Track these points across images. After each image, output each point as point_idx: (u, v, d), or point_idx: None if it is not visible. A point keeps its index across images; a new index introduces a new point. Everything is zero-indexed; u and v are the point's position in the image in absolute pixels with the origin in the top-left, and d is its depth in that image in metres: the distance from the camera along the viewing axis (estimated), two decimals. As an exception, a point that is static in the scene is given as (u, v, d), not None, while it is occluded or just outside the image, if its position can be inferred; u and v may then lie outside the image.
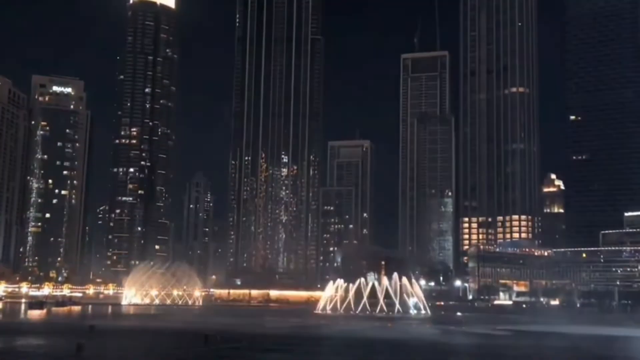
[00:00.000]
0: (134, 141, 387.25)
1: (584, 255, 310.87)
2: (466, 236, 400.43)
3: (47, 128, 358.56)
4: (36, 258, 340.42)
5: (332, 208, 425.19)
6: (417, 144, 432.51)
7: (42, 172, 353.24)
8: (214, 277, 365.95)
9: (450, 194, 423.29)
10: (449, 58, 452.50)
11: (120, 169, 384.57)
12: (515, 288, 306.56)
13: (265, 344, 63.15)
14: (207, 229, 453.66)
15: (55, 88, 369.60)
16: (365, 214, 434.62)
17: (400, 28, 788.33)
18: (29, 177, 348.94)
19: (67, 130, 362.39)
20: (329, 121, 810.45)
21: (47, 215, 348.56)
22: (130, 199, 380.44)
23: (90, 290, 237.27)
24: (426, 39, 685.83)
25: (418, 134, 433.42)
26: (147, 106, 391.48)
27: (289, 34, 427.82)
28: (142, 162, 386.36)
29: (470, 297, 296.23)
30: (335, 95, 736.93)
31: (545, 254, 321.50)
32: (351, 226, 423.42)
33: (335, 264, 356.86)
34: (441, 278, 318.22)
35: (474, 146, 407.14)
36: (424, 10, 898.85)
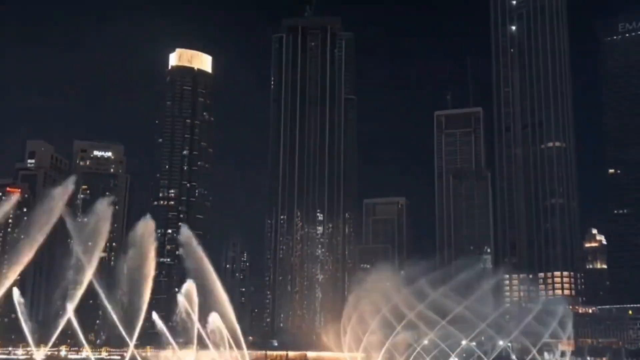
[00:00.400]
0: (172, 202, 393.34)
1: (630, 312, 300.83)
2: (507, 293, 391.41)
3: (88, 192, 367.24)
4: (76, 320, 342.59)
5: (368, 266, 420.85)
6: (454, 200, 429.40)
7: (83, 234, 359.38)
8: (250, 338, 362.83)
9: (489, 250, 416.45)
10: (482, 114, 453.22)
11: (159, 231, 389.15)
12: (560, 347, 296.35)
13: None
14: (243, 289, 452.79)
15: (96, 152, 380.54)
16: (402, 272, 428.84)
17: (432, 85, 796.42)
18: (69, 240, 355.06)
19: (107, 193, 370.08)
20: (364, 179, 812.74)
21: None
22: (169, 259, 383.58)
23: (128, 353, 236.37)
24: (459, 96, 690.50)
25: (454, 190, 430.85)
26: (185, 168, 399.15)
27: (323, 94, 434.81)
28: (180, 224, 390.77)
29: (513, 357, 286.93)
30: (369, 153, 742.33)
31: (590, 311, 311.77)
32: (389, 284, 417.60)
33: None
34: (482, 338, 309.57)
35: (511, 201, 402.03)
36: (456, 67, 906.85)
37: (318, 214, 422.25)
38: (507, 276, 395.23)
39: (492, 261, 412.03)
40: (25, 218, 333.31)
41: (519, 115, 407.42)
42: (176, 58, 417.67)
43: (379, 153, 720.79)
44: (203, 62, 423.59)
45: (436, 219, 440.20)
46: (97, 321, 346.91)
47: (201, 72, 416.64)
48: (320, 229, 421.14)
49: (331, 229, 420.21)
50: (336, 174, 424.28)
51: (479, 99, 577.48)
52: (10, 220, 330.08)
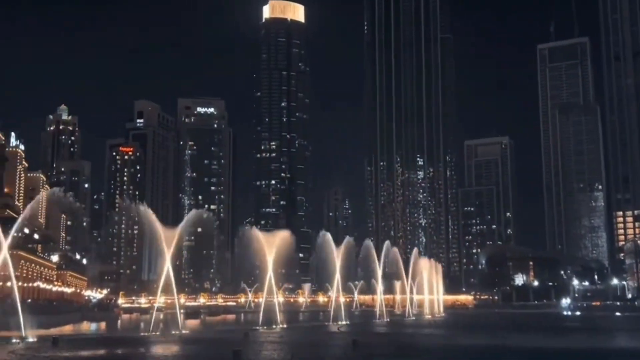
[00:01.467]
0: (273, 154, 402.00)
1: None
2: (621, 231, 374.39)
3: (194, 147, 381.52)
4: (191, 270, 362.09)
5: (472, 209, 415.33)
6: (561, 136, 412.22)
7: (192, 189, 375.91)
8: (360, 282, 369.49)
9: (600, 187, 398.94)
10: (589, 44, 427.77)
11: (263, 182, 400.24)
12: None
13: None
14: (347, 236, 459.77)
15: (199, 109, 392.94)
16: (508, 214, 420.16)
17: (533, 17, 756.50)
18: (180, 195, 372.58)
19: (213, 149, 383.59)
20: (464, 120, 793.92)
21: (199, 229, 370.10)
22: (274, 209, 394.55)
23: (242, 299, 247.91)
24: (563, 27, 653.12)
25: (561, 126, 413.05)
26: (284, 120, 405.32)
27: (418, 35, 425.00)
28: (283, 174, 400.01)
29: (629, 295, 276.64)
30: (469, 93, 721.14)
31: None
32: (494, 227, 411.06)
33: (479, 267, 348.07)
34: (596, 277, 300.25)
35: (623, 135, 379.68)
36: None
37: (418, 158, 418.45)
38: (621, 213, 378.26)
39: (604, 198, 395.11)
40: (139, 175, 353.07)
41: (629, 42, 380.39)
42: (269, 10, 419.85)
43: (479, 92, 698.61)
44: (296, 12, 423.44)
45: (542, 158, 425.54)
46: (211, 270, 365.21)
47: (294, 23, 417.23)
48: (420, 173, 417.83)
49: (432, 173, 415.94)
50: (434, 117, 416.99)
51: (585, 28, 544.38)
52: (125, 178, 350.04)
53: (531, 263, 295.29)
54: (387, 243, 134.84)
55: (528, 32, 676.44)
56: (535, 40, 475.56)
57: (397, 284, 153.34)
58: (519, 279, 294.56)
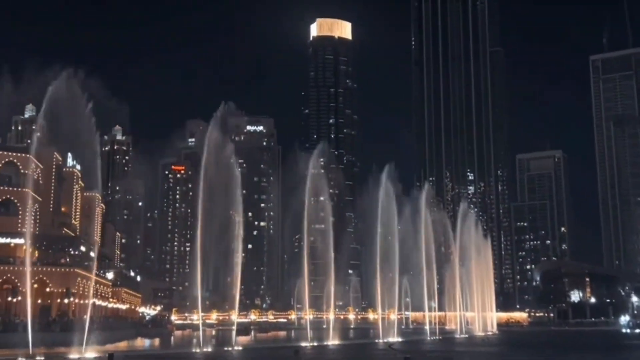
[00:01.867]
0: (322, 171, 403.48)
1: None
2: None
3: (244, 165, 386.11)
4: (242, 287, 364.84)
5: (525, 224, 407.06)
6: (616, 149, 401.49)
7: (242, 206, 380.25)
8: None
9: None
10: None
11: (312, 198, 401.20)
12: None
13: None
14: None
15: (249, 127, 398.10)
16: (562, 228, 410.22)
17: (585, 28, 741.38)
18: (231, 212, 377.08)
19: (262, 166, 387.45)
20: (515, 134, 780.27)
21: (250, 246, 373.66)
22: (322, 226, 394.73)
23: (293, 315, 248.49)
24: (616, 37, 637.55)
25: (616, 139, 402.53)
26: (332, 136, 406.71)
27: (466, 49, 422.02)
28: (331, 191, 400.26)
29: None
30: (520, 107, 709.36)
31: None
32: (548, 242, 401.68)
33: (534, 283, 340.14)
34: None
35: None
36: (610, 5, 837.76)
37: (468, 173, 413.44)
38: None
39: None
40: (191, 194, 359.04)
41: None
42: (317, 28, 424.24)
43: (531, 106, 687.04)
44: (343, 29, 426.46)
45: (597, 171, 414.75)
46: (262, 286, 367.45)
47: (342, 40, 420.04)
48: (471, 188, 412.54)
49: (483, 188, 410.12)
50: (485, 131, 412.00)
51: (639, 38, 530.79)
52: (177, 196, 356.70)
53: (588, 279, 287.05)
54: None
55: (580, 43, 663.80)
56: (587, 51, 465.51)
57: (449, 301, 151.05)
58: (575, 296, 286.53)
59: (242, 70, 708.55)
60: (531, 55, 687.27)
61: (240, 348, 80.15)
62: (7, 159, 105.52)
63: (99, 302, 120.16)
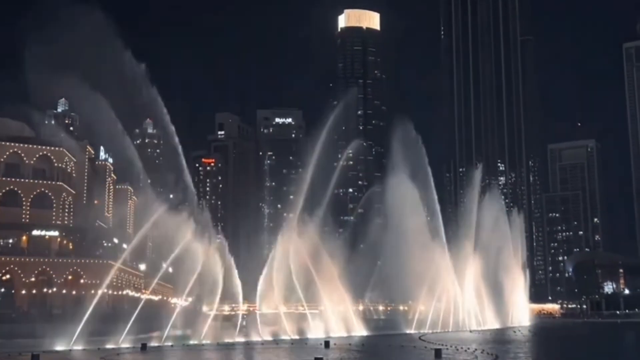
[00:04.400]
0: (350, 162, 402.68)
1: None
2: None
3: (273, 157, 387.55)
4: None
5: (557, 215, 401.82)
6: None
7: (271, 198, 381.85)
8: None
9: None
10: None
11: (340, 190, 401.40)
12: None
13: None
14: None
15: (278, 120, 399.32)
16: (595, 219, 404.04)
17: (618, 14, 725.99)
18: (260, 204, 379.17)
19: (291, 158, 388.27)
20: (547, 123, 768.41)
21: (279, 237, 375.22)
22: (351, 218, 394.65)
23: (322, 307, 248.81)
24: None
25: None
26: (361, 128, 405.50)
27: (497, 38, 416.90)
28: (360, 182, 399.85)
29: None
30: (552, 95, 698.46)
31: None
32: (581, 233, 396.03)
33: (566, 275, 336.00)
34: None
35: None
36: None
37: (499, 164, 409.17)
38: None
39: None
40: (221, 186, 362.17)
41: None
42: (345, 19, 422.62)
43: (562, 94, 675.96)
44: (371, 20, 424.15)
45: (631, 160, 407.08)
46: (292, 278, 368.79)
47: (370, 31, 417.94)
48: (502, 179, 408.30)
49: (514, 178, 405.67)
50: (516, 121, 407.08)
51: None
52: (207, 188, 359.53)
53: (621, 270, 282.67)
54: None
55: (612, 31, 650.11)
56: (620, 38, 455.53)
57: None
58: (609, 287, 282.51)
59: (270, 62, 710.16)
60: (562, 44, 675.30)
61: (270, 338, 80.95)
62: (41, 153, 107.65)
63: (132, 294, 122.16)
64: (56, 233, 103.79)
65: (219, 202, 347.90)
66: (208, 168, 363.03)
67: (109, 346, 62.14)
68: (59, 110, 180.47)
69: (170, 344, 69.54)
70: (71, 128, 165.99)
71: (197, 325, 76.46)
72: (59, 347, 59.54)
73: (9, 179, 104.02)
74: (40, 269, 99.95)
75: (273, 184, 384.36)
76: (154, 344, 66.74)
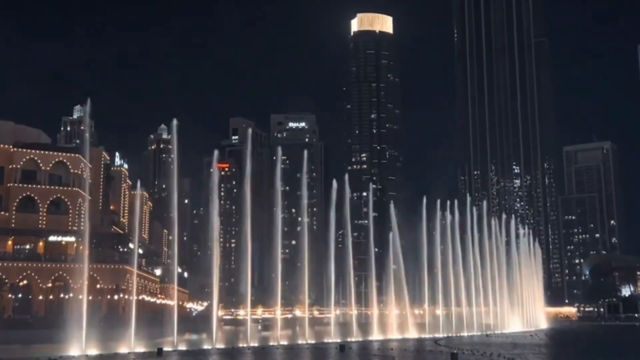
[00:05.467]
0: (364, 166, 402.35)
1: None
2: None
3: (287, 162, 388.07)
4: (286, 283, 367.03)
5: (573, 217, 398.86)
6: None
7: (285, 202, 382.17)
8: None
9: None
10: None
11: (354, 194, 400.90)
12: None
13: None
14: (442, 247, 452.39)
15: (291, 124, 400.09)
16: (612, 221, 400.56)
17: (633, 15, 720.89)
18: (274, 208, 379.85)
19: (304, 162, 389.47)
20: (562, 125, 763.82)
21: (293, 242, 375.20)
22: (366, 221, 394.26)
23: (337, 311, 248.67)
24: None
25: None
26: (374, 131, 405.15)
27: (510, 40, 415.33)
28: (374, 186, 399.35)
29: None
30: (566, 98, 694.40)
31: None
32: (597, 235, 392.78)
33: (583, 277, 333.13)
34: None
35: None
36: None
37: (514, 166, 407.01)
38: None
39: None
40: (235, 190, 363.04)
41: None
42: (358, 23, 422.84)
43: (578, 96, 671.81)
44: (384, 23, 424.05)
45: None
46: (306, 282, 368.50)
47: (383, 34, 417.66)
48: (517, 181, 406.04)
49: (529, 181, 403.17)
50: (531, 123, 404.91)
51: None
52: (222, 193, 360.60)
53: (639, 273, 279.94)
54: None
55: (627, 32, 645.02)
56: (635, 40, 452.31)
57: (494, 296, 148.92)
58: (626, 290, 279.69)
59: (284, 66, 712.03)
60: (577, 45, 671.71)
61: (285, 343, 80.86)
62: (57, 159, 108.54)
63: (147, 298, 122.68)
64: (72, 238, 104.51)
65: (234, 207, 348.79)
66: (222, 173, 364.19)
67: (122, 351, 62.36)
68: (75, 116, 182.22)
69: (184, 348, 69.68)
70: (87, 134, 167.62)
71: (212, 329, 76.34)
72: (73, 353, 59.86)
73: (25, 185, 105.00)
74: (57, 274, 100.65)
75: (287, 188, 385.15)
76: (167, 348, 66.92)
